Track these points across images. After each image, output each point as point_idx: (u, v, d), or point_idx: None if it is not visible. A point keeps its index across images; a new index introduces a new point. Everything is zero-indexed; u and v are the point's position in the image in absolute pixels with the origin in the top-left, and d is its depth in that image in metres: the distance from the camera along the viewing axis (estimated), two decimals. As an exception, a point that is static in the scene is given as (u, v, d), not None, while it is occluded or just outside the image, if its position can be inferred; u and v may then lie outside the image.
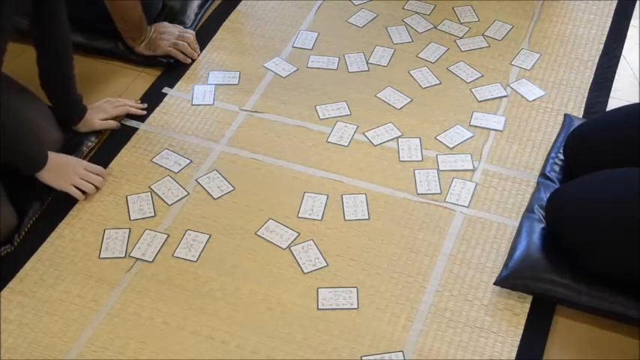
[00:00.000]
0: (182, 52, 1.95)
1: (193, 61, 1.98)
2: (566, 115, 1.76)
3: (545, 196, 1.55)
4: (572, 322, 1.42)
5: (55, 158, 1.60)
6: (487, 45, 1.99)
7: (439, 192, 1.64)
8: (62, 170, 1.61)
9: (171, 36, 1.95)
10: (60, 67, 1.69)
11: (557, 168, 1.63)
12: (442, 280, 1.48)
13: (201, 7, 2.12)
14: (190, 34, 1.98)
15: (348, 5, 2.13)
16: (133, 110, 1.82)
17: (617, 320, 1.40)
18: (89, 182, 1.63)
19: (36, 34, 1.63)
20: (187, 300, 1.47)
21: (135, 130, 1.81)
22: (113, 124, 1.79)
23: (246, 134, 1.79)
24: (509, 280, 1.44)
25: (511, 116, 1.80)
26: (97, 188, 1.65)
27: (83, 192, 1.63)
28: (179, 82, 1.93)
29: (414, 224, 1.58)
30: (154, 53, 1.95)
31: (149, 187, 1.67)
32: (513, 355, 1.37)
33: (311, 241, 1.56)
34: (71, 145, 1.73)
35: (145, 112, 1.83)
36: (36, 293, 1.49)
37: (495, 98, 1.84)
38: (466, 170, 1.68)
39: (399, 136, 1.76)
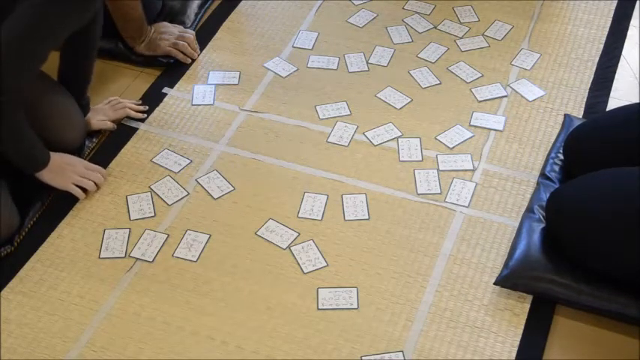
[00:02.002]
0: (182, 52, 1.95)
1: (193, 61, 1.98)
2: (566, 115, 1.76)
3: (545, 196, 1.55)
4: (572, 322, 1.42)
5: (55, 158, 1.60)
6: (487, 45, 1.99)
7: (439, 192, 1.64)
8: (63, 170, 1.61)
9: (171, 36, 1.95)
10: (84, 66, 1.72)
11: (557, 168, 1.63)
12: (442, 280, 1.48)
13: (201, 7, 2.12)
14: (190, 34, 1.98)
15: (348, 5, 2.13)
16: (133, 114, 1.82)
17: (617, 320, 1.40)
18: (89, 180, 1.63)
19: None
20: (187, 300, 1.47)
21: (135, 130, 1.81)
22: (110, 125, 1.79)
23: (246, 134, 1.79)
24: (510, 279, 1.44)
25: (511, 116, 1.80)
26: (98, 187, 1.65)
27: (84, 191, 1.63)
28: (179, 82, 1.93)
29: (414, 224, 1.58)
30: (154, 53, 1.95)
31: (149, 187, 1.67)
32: (513, 355, 1.37)
33: (311, 241, 1.56)
34: (71, 145, 1.73)
35: (145, 116, 1.83)
36: (36, 293, 1.49)
37: (495, 98, 1.84)
38: (466, 170, 1.68)
39: (399, 136, 1.76)
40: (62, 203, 1.64)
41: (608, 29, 2.02)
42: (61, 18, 1.43)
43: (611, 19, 2.05)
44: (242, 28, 2.09)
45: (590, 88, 1.86)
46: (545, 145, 1.72)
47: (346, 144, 1.75)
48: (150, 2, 1.99)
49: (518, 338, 1.39)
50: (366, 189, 1.65)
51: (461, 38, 2.01)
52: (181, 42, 1.94)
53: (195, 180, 1.69)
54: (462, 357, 1.37)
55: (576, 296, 1.39)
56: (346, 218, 1.60)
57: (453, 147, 1.73)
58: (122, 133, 1.80)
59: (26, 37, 1.39)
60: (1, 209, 1.53)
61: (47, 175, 1.60)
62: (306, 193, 1.65)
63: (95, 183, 1.64)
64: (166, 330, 1.42)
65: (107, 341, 1.41)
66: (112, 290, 1.49)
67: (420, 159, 1.71)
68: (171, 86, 1.92)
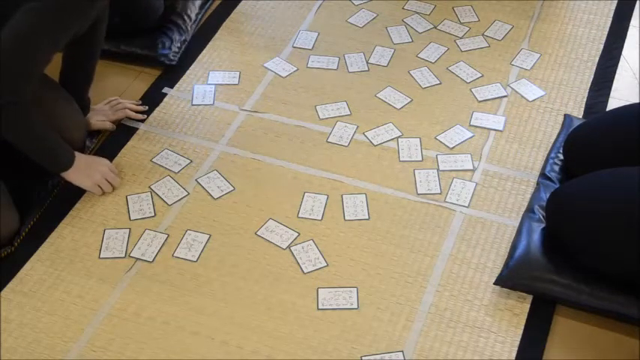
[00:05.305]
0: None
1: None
2: (566, 115, 1.76)
3: (545, 196, 1.55)
4: (572, 322, 1.42)
5: (81, 159, 1.60)
6: (487, 45, 1.99)
7: (439, 192, 1.64)
8: (89, 170, 1.62)
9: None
10: (87, 66, 1.72)
11: (557, 168, 1.63)
12: (442, 280, 1.48)
13: (201, 7, 2.12)
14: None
15: (348, 5, 2.14)
16: (133, 115, 1.82)
17: (617, 320, 1.40)
18: (110, 183, 1.65)
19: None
20: (187, 300, 1.47)
21: (135, 130, 1.81)
22: (109, 125, 1.79)
23: (246, 134, 1.79)
24: (510, 279, 1.44)
25: (511, 116, 1.80)
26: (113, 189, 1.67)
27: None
28: (179, 82, 1.93)
29: (414, 224, 1.58)
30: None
31: (149, 187, 1.68)
32: (513, 355, 1.37)
33: (311, 241, 1.56)
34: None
35: (144, 117, 1.83)
36: (36, 293, 1.49)
37: (495, 98, 1.84)
38: (466, 170, 1.68)
39: (399, 136, 1.76)
40: (62, 203, 1.64)
41: (608, 29, 2.02)
42: (61, 21, 1.43)
43: (611, 19, 2.05)
44: (242, 28, 2.10)
45: (590, 88, 1.86)
46: (545, 145, 1.72)
47: (346, 144, 1.75)
48: (151, 2, 1.99)
49: (518, 338, 1.39)
50: (366, 189, 1.65)
51: (461, 38, 2.01)
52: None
53: (195, 180, 1.69)
54: (462, 357, 1.37)
55: (576, 296, 1.39)
56: (346, 218, 1.60)
57: (453, 147, 1.73)
58: (122, 133, 1.80)
59: (28, 39, 1.40)
60: (1, 210, 1.53)
61: (74, 175, 1.60)
62: (306, 193, 1.65)
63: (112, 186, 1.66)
64: (166, 330, 1.42)
65: (107, 341, 1.41)
66: (112, 290, 1.49)
67: (420, 159, 1.71)
68: (171, 86, 1.92)
